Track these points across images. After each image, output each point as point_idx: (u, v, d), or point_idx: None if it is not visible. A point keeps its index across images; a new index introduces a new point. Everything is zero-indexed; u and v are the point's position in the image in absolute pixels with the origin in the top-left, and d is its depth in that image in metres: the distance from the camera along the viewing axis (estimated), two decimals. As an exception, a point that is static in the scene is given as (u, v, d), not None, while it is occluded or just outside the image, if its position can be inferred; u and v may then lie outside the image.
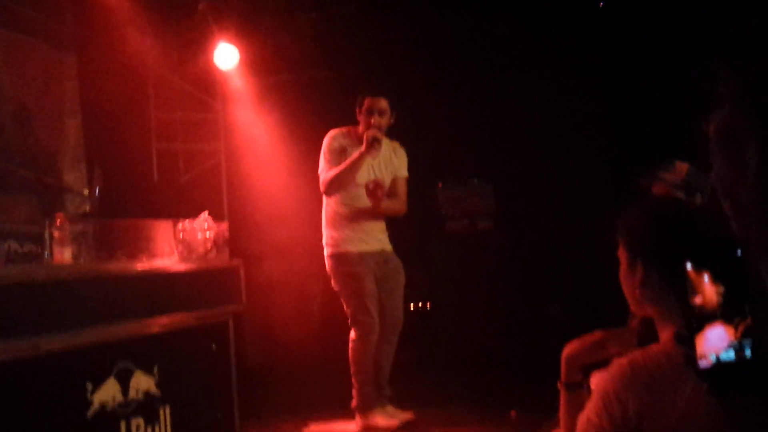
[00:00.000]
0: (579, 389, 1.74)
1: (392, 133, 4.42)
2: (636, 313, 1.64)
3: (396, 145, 4.35)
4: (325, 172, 4.13)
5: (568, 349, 1.77)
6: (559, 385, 1.77)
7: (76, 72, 4.90)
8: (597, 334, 1.76)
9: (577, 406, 1.68)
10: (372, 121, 4.12)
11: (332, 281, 4.19)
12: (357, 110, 4.19)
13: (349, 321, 4.13)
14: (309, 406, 4.70)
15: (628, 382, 1.45)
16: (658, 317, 1.56)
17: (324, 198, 4.22)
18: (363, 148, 4.03)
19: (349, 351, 4.14)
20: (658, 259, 1.54)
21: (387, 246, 4.26)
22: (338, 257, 4.13)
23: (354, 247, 4.12)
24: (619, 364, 1.49)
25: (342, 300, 4.17)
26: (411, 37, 5.80)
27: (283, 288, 6.56)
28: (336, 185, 4.11)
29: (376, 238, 4.22)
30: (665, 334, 1.53)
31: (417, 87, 6.07)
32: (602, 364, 2.05)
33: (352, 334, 4.13)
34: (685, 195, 3.67)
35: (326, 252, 4.18)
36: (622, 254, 1.62)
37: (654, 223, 1.59)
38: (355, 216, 4.16)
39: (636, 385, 1.44)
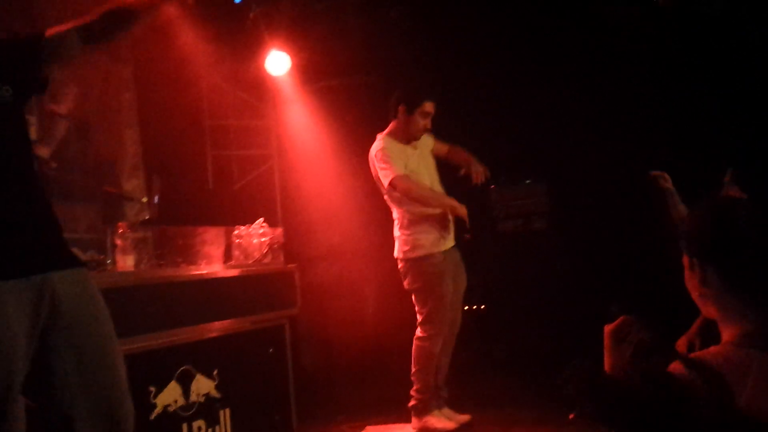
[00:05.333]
0: None
1: (445, 135, 4.45)
2: (705, 315, 1.61)
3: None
4: (393, 172, 4.03)
5: (606, 361, 1.71)
6: None
7: (133, 83, 5.03)
8: (606, 336, 1.69)
9: None
10: (426, 123, 4.15)
11: (407, 281, 4.13)
12: (404, 108, 4.14)
13: (421, 320, 4.09)
14: (365, 407, 4.72)
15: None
16: (720, 317, 1.55)
17: (398, 203, 4.15)
18: (454, 205, 4.06)
19: (414, 350, 4.10)
20: (713, 258, 1.53)
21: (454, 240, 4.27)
22: (425, 259, 4.08)
23: (440, 247, 4.10)
24: (676, 368, 1.47)
25: (417, 299, 4.12)
26: (462, 40, 5.77)
27: (336, 290, 6.59)
28: (413, 197, 4.08)
29: (452, 233, 4.22)
30: (727, 334, 1.52)
31: (469, 89, 6.05)
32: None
33: (421, 332, 4.09)
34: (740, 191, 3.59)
35: (408, 255, 4.11)
36: (684, 257, 1.61)
37: (706, 222, 1.58)
38: (440, 216, 4.14)
39: None
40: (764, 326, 1.49)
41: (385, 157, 4.07)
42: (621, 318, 1.70)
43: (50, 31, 2.16)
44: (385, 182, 4.05)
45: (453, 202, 4.10)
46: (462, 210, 4.07)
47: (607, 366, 1.71)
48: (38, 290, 1.94)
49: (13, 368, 1.86)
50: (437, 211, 4.13)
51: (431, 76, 5.29)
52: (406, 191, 4.05)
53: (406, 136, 4.19)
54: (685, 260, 1.61)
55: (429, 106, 4.14)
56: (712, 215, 1.59)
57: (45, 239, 2.03)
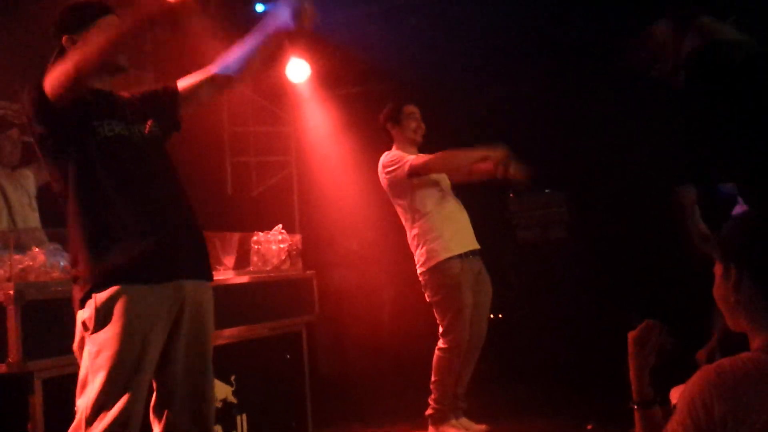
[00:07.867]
0: (653, 406, 1.71)
1: (464, 144, 4.44)
2: (732, 327, 1.61)
3: None
4: (407, 160, 4.06)
5: (631, 368, 1.73)
6: (632, 405, 1.73)
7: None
8: (630, 343, 1.75)
9: (654, 424, 1.65)
10: (417, 123, 4.23)
11: (428, 294, 4.11)
12: (390, 123, 4.26)
13: (442, 331, 4.08)
14: (381, 414, 4.71)
15: (714, 387, 1.43)
16: (750, 326, 1.54)
17: (414, 221, 4.13)
18: (488, 153, 4.01)
19: (435, 360, 4.08)
20: (749, 261, 1.53)
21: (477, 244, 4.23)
22: (441, 268, 4.04)
23: (454, 251, 4.05)
24: (705, 370, 1.49)
25: (437, 311, 4.09)
26: (481, 49, 5.77)
27: (354, 297, 6.61)
28: (439, 165, 4.07)
29: (471, 234, 4.19)
30: (757, 342, 1.52)
31: (487, 97, 6.05)
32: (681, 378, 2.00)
33: (442, 344, 4.07)
34: None
35: (426, 266, 4.07)
36: (717, 266, 1.61)
37: (747, 228, 1.61)
38: (449, 217, 4.13)
39: (722, 390, 1.43)
40: None
41: (394, 156, 4.15)
42: (644, 323, 1.72)
43: (182, 82, 2.62)
44: (403, 172, 4.05)
45: (486, 151, 4.00)
46: (499, 153, 3.97)
47: (631, 371, 1.72)
48: (175, 294, 2.30)
49: (147, 358, 2.21)
50: (445, 216, 4.12)
51: (450, 84, 5.29)
52: (428, 163, 4.04)
53: (407, 143, 4.23)
54: (718, 269, 1.60)
55: (409, 108, 4.25)
56: (754, 222, 1.63)
57: (191, 250, 2.41)
